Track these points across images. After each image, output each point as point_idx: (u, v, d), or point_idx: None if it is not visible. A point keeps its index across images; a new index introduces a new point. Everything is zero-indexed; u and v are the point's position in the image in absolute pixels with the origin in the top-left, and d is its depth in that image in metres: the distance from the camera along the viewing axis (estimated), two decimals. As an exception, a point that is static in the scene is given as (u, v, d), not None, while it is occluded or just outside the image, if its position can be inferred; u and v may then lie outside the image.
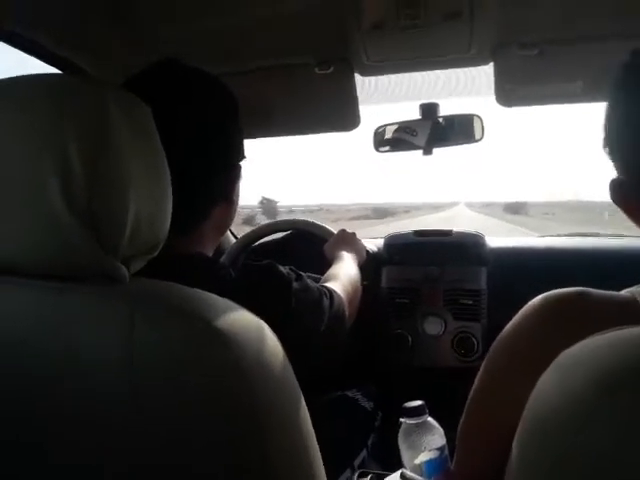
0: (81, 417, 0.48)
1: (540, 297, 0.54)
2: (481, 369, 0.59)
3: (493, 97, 1.24)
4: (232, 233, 1.78)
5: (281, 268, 0.76)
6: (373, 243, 1.53)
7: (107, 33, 1.05)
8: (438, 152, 1.39)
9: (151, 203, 0.52)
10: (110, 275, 0.49)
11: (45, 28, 0.95)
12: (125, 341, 0.45)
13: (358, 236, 1.33)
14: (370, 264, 1.35)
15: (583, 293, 0.51)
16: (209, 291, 0.52)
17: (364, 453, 1.13)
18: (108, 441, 0.48)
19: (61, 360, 0.48)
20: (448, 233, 1.51)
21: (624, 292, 0.51)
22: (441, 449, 0.80)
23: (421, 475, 0.77)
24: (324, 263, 1.15)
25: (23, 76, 0.52)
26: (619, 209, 0.54)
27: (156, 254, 0.55)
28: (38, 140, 0.47)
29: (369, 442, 1.17)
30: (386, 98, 1.40)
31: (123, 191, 0.48)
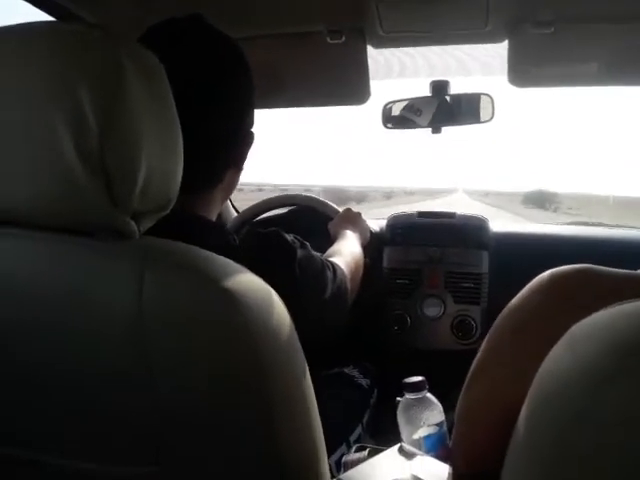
0: (86, 369, 0.48)
1: (547, 272, 0.53)
2: (483, 344, 0.58)
3: (504, 78, 1.22)
4: (234, 207, 1.76)
5: (286, 236, 0.75)
6: (376, 223, 1.51)
7: None
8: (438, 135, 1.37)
9: (163, 160, 0.51)
10: (120, 230, 0.48)
11: None
12: (135, 296, 0.45)
13: (364, 216, 1.32)
14: (372, 244, 1.34)
15: (589, 268, 0.50)
16: (214, 252, 0.51)
17: (359, 429, 1.13)
18: (113, 394, 0.48)
19: (68, 311, 0.48)
20: (451, 215, 1.50)
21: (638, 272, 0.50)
22: (440, 425, 0.80)
23: (420, 450, 0.77)
24: (328, 240, 1.14)
25: (26, 23, 0.50)
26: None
27: (167, 211, 0.54)
28: (49, 90, 0.45)
29: (364, 419, 1.17)
30: (397, 74, 1.38)
31: (136, 146, 0.47)
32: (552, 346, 0.34)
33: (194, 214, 0.73)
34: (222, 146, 0.75)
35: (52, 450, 0.50)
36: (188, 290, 0.46)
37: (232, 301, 0.46)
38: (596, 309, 0.33)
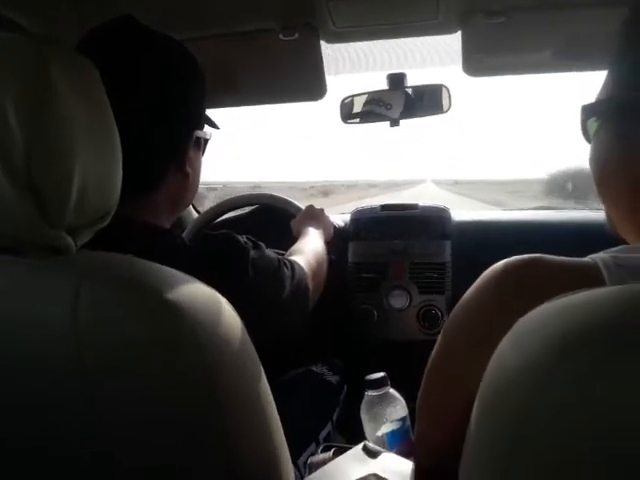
0: (23, 390, 0.46)
1: (497, 264, 0.54)
2: (439, 338, 0.59)
3: (459, 67, 1.23)
4: (195, 209, 1.74)
5: (238, 237, 0.74)
6: (340, 218, 1.51)
7: None
8: (403, 126, 1.37)
9: (98, 170, 0.49)
10: (55, 246, 0.47)
11: None
12: (70, 313, 0.43)
13: (326, 212, 1.31)
14: (337, 239, 1.34)
15: (538, 258, 0.50)
16: (162, 261, 0.50)
17: (329, 427, 1.13)
18: (56, 421, 0.46)
19: (3, 337, 0.46)
20: (414, 207, 1.51)
21: (587, 258, 0.50)
22: (403, 420, 0.81)
23: (383, 447, 0.77)
24: (290, 239, 1.13)
25: None
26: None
27: (106, 223, 0.53)
28: None
29: (334, 416, 1.17)
30: (352, 68, 1.37)
31: (66, 157, 0.45)
32: (501, 338, 0.34)
33: (138, 220, 0.71)
34: (157, 149, 0.73)
35: None
36: (126, 304, 0.44)
37: (174, 312, 0.45)
38: (545, 299, 0.33)
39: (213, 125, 0.87)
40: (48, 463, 0.47)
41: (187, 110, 0.76)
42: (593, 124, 0.54)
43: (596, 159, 0.55)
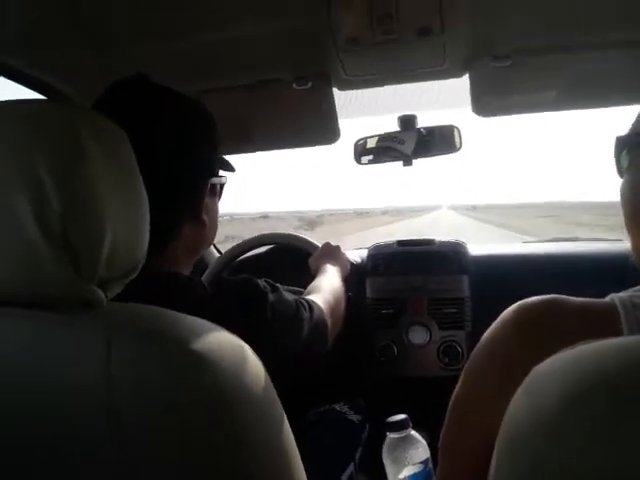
0: (58, 444, 0.48)
1: (514, 306, 0.54)
2: (460, 378, 0.59)
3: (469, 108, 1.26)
4: (217, 249, 1.77)
5: (257, 281, 0.76)
6: (357, 254, 1.53)
7: (77, 52, 1.04)
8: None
9: (128, 226, 0.52)
10: (87, 300, 0.49)
11: (14, 49, 0.94)
12: (103, 367, 0.45)
13: (343, 249, 1.34)
14: (354, 276, 1.36)
15: (554, 300, 0.51)
16: (184, 309, 0.52)
17: (352, 467, 1.12)
18: (87, 468, 0.47)
19: (37, 388, 0.48)
20: (431, 242, 1.52)
21: (607, 298, 0.51)
22: (425, 462, 0.80)
23: (406, 489, 0.77)
24: (308, 277, 1.15)
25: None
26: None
27: (135, 275, 0.55)
28: (9, 168, 0.46)
29: (357, 455, 1.17)
30: (365, 111, 1.41)
31: (98, 216, 0.48)
32: (521, 381, 0.34)
33: (160, 270, 0.73)
34: (168, 200, 0.74)
35: None
36: (156, 356, 0.46)
37: (201, 363, 0.46)
38: (561, 342, 0.34)
39: (229, 169, 0.89)
40: None
41: (200, 162, 0.79)
42: (626, 157, 0.54)
43: (627, 193, 0.54)
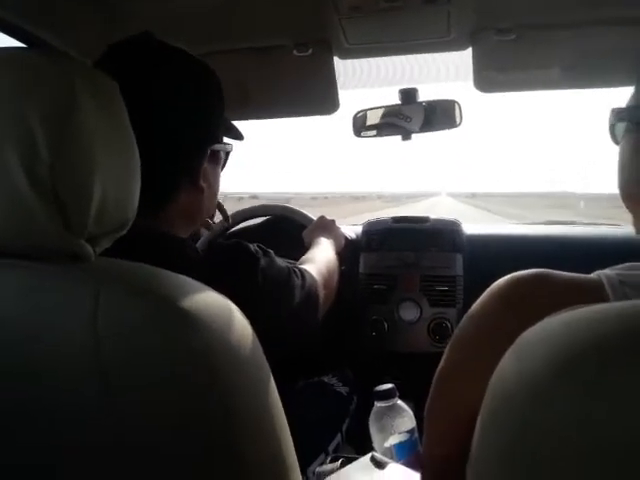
0: (44, 398, 0.47)
1: (504, 279, 0.54)
2: (447, 349, 0.59)
3: (471, 83, 1.24)
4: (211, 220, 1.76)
5: (249, 246, 0.75)
6: (352, 230, 1.53)
7: (76, 8, 1.02)
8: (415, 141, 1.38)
9: (118, 181, 0.51)
10: (75, 254, 0.49)
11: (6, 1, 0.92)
12: (90, 319, 0.45)
13: (337, 223, 1.33)
14: (348, 251, 1.35)
15: (544, 274, 0.51)
16: (174, 269, 0.51)
17: (338, 438, 1.13)
18: (75, 423, 0.47)
19: (23, 340, 0.47)
20: (425, 220, 1.52)
21: (592, 275, 0.51)
22: (411, 432, 0.81)
23: (391, 458, 0.78)
24: (302, 249, 1.15)
25: None
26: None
27: (124, 232, 0.54)
28: (3, 119, 0.45)
29: (344, 427, 1.18)
30: (364, 83, 1.39)
31: (88, 169, 0.47)
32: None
33: (153, 230, 0.72)
34: (165, 162, 0.73)
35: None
36: (144, 312, 0.46)
37: (189, 321, 0.46)
38: (547, 315, 0.34)
39: (237, 136, 0.88)
40: (62, 463, 0.49)
41: (200, 125, 0.77)
42: (621, 128, 0.55)
43: (623, 165, 0.56)
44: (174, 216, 0.77)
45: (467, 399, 0.52)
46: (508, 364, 0.33)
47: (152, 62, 0.74)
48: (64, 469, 0.48)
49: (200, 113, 0.77)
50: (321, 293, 0.91)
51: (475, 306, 0.56)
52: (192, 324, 0.46)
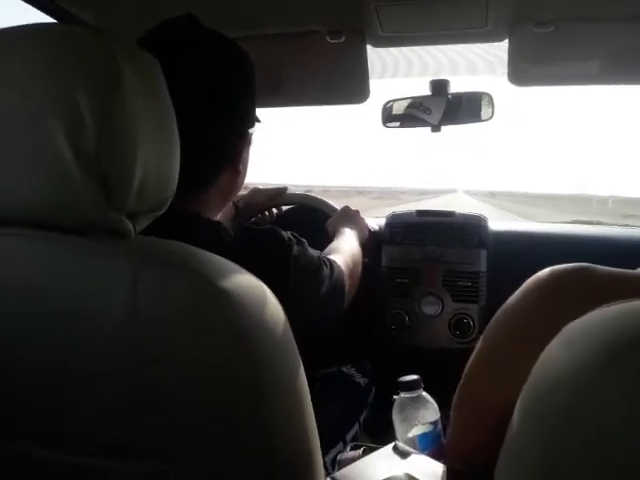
0: (82, 368, 0.48)
1: (544, 271, 0.53)
2: (479, 343, 0.59)
3: (504, 77, 1.22)
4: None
5: (282, 232, 0.76)
6: (375, 222, 1.52)
7: None
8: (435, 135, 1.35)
9: (159, 160, 0.51)
10: (116, 230, 0.49)
11: None
12: (130, 295, 0.45)
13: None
14: (371, 242, 1.34)
15: (585, 267, 0.50)
16: (209, 251, 0.51)
17: (356, 428, 1.13)
18: (110, 390, 0.48)
19: (63, 312, 0.48)
20: (450, 214, 1.51)
21: (638, 269, 0.50)
22: (435, 423, 0.80)
23: (414, 448, 0.77)
24: (326, 239, 1.14)
25: (27, 25, 0.50)
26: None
27: (163, 211, 0.55)
28: (46, 91, 0.46)
29: (362, 417, 1.18)
30: (395, 73, 1.38)
31: (132, 146, 0.47)
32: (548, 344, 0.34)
33: (189, 212, 0.73)
34: (211, 147, 0.75)
35: (54, 447, 0.50)
36: (183, 290, 0.46)
37: (226, 300, 0.46)
38: (591, 308, 0.33)
39: (257, 119, 0.88)
40: (109, 437, 0.49)
41: (243, 110, 0.78)
42: None
43: None
44: (212, 198, 0.78)
45: (498, 391, 0.51)
46: (555, 353, 0.32)
47: (195, 46, 0.74)
48: (89, 417, 0.49)
49: (242, 98, 0.78)
50: (347, 284, 0.91)
51: (512, 298, 0.56)
52: (228, 302, 0.47)
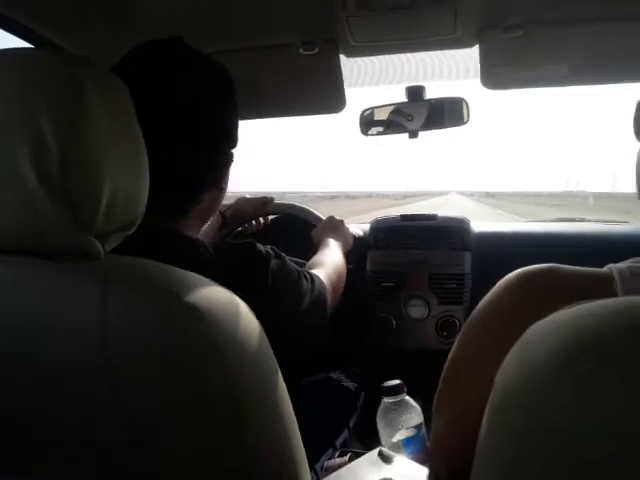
0: (52, 393, 0.48)
1: (513, 273, 0.54)
2: (455, 345, 0.60)
3: (478, 80, 1.24)
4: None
5: (260, 246, 0.76)
6: (359, 227, 1.53)
7: (85, 8, 1.02)
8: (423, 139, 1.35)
9: (127, 181, 0.52)
10: (85, 251, 0.49)
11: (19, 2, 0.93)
12: (98, 316, 0.45)
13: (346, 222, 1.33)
14: (356, 248, 1.35)
15: (553, 268, 0.51)
16: (186, 268, 0.52)
17: (346, 433, 1.13)
18: (81, 415, 0.48)
19: (32, 336, 0.48)
20: (433, 217, 1.52)
21: (604, 268, 0.51)
22: (418, 427, 0.81)
23: (399, 453, 0.78)
24: (310, 249, 1.15)
25: (2, 50, 0.51)
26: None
27: (132, 231, 0.55)
28: (10, 115, 0.46)
29: (351, 422, 1.18)
30: (371, 81, 1.39)
31: (98, 169, 0.48)
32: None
33: (169, 230, 0.73)
34: (197, 169, 0.75)
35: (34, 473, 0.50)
36: (151, 307, 0.46)
37: (195, 316, 0.46)
38: (557, 309, 0.33)
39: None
40: (73, 453, 0.49)
41: (225, 129, 0.79)
42: None
43: None
44: (193, 217, 0.78)
45: (477, 392, 0.52)
46: (514, 358, 0.33)
47: (175, 65, 0.74)
48: (72, 446, 0.49)
49: (223, 116, 0.78)
50: (329, 298, 0.91)
51: (484, 300, 0.56)
52: (197, 317, 0.46)
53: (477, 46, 1.18)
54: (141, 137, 0.54)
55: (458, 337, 0.59)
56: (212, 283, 0.52)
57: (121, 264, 0.51)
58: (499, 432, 0.32)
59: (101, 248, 0.50)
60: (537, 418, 0.28)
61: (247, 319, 0.52)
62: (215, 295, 0.51)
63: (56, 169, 0.46)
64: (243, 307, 0.53)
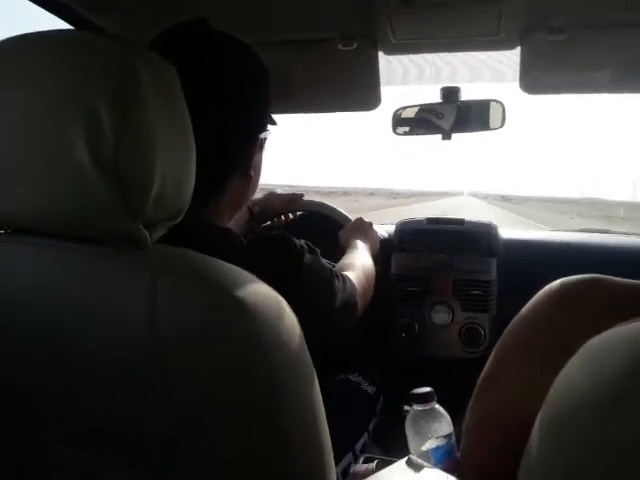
0: (98, 377, 0.48)
1: (556, 282, 0.53)
2: (492, 354, 0.58)
3: (516, 84, 1.22)
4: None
5: (295, 240, 0.75)
6: (385, 229, 1.51)
7: None
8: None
9: (177, 168, 0.51)
10: (133, 239, 0.48)
11: None
12: (147, 305, 0.45)
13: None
14: (381, 250, 1.33)
15: (599, 279, 0.50)
16: (220, 258, 0.51)
17: (365, 437, 1.12)
18: (128, 400, 0.48)
19: (80, 319, 0.48)
20: (460, 222, 1.49)
21: None
22: (448, 437, 0.79)
23: (428, 462, 0.76)
24: (337, 248, 1.13)
25: (49, 31, 0.50)
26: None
27: (178, 221, 0.54)
28: (66, 99, 0.45)
29: (370, 427, 1.16)
30: (406, 80, 1.37)
31: (150, 155, 0.47)
32: (562, 356, 0.33)
33: (200, 219, 0.72)
34: (220, 153, 0.73)
35: (85, 448, 0.50)
36: (200, 299, 0.46)
37: (244, 312, 0.46)
38: (608, 321, 0.33)
39: (272, 121, 0.87)
40: (124, 448, 0.49)
41: (253, 116, 0.77)
42: None
43: None
44: (223, 206, 0.77)
45: (513, 404, 0.51)
46: (576, 370, 0.32)
47: (207, 51, 0.73)
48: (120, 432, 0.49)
49: (253, 104, 0.77)
50: (359, 301, 0.90)
51: (526, 308, 0.55)
52: (246, 314, 0.46)
53: (517, 49, 1.16)
54: (189, 123, 0.54)
55: (495, 349, 0.58)
56: (255, 279, 0.51)
57: (168, 254, 0.51)
58: (555, 442, 0.30)
59: (149, 237, 0.49)
60: (604, 436, 0.27)
61: (290, 321, 0.52)
62: (262, 293, 0.50)
63: (110, 154, 0.45)
64: (285, 305, 0.52)
